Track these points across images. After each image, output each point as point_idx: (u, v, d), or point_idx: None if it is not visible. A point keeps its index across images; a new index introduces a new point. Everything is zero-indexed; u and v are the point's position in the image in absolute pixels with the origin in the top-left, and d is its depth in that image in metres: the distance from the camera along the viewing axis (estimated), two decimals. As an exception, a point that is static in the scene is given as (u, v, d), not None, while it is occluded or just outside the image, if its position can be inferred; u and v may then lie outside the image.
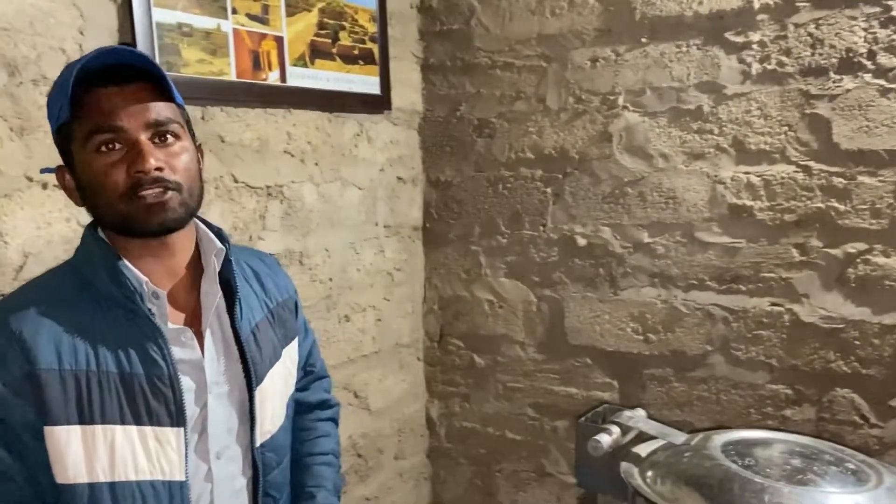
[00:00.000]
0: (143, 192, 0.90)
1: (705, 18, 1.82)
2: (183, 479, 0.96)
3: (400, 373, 2.28)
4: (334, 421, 1.32)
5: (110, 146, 0.91)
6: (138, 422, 0.92)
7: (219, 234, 1.05)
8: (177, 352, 0.96)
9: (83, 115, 0.90)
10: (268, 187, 1.80)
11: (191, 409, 0.97)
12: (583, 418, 1.25)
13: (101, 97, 0.90)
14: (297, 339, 1.20)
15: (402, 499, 2.31)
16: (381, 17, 2.06)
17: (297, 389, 1.21)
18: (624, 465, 1.14)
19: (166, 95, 0.94)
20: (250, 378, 1.04)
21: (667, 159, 1.91)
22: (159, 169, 0.91)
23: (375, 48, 2.05)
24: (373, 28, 2.04)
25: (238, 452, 1.05)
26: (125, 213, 0.91)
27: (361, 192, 2.09)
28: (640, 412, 1.27)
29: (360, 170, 2.08)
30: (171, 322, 0.97)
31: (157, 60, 1.46)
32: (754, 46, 1.77)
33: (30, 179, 1.30)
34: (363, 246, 2.11)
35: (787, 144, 1.76)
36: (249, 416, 1.05)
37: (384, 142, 2.16)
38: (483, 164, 2.19)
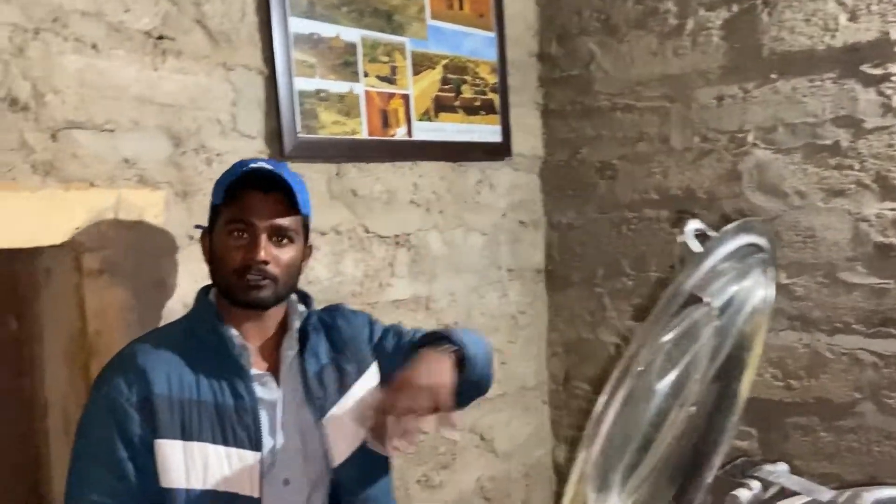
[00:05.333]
0: (248, 276, 1.14)
1: (839, 51, 1.75)
2: (257, 496, 1.13)
3: (525, 416, 2.28)
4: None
5: (239, 233, 1.15)
6: (226, 443, 1.12)
7: (304, 298, 1.27)
8: (259, 390, 1.17)
9: (231, 205, 1.15)
10: (396, 236, 1.88)
11: (266, 440, 1.16)
12: (719, 471, 1.21)
13: (247, 196, 1.15)
14: (373, 366, 1.31)
15: (530, 544, 2.29)
16: (501, 68, 2.12)
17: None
18: (768, 524, 1.09)
19: (297, 207, 1.17)
20: (313, 414, 1.21)
21: (803, 197, 1.83)
22: (265, 262, 1.14)
23: (496, 98, 2.11)
24: (493, 79, 2.10)
25: (301, 483, 1.20)
26: (231, 285, 1.16)
27: (484, 238, 2.13)
28: (783, 466, 1.21)
29: (483, 216, 2.13)
30: (256, 368, 1.19)
31: (299, 125, 1.59)
32: (894, 78, 1.67)
33: (190, 238, 1.44)
34: (487, 290, 2.15)
35: (939, 178, 1.64)
36: (321, 445, 1.20)
37: (505, 187, 2.20)
38: (605, 206, 2.19)
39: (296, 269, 1.22)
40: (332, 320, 1.32)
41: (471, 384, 1.20)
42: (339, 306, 1.40)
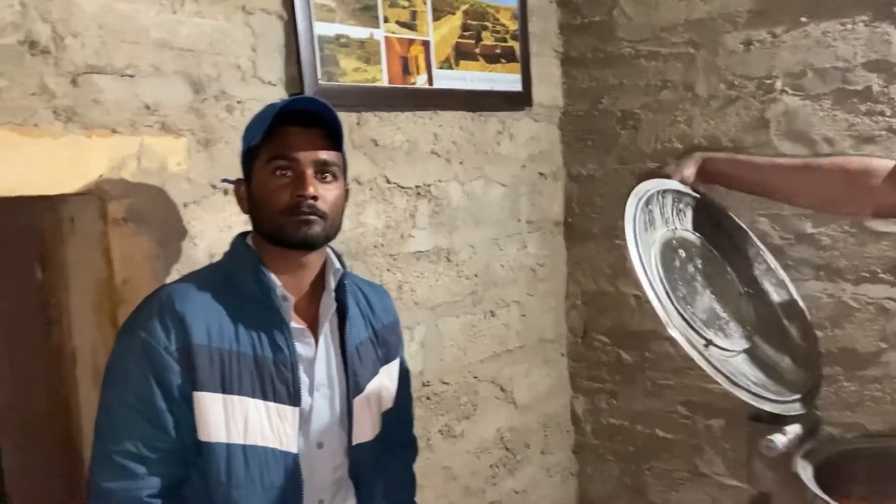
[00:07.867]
0: (298, 212, 1.09)
1: (874, -9, 1.69)
2: (295, 451, 1.12)
3: (544, 368, 2.29)
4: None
5: (284, 171, 1.11)
6: (265, 397, 1.09)
7: (339, 258, 1.23)
8: (297, 346, 1.13)
9: (270, 144, 1.11)
10: (417, 187, 1.86)
11: (304, 397, 1.13)
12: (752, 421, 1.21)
13: (288, 133, 1.11)
14: (397, 360, 1.34)
15: (549, 493, 2.31)
16: (522, 15, 2.07)
17: (394, 425, 1.32)
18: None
19: (335, 144, 1.14)
20: (349, 388, 1.20)
21: (832, 144, 1.79)
22: (315, 198, 1.10)
23: (516, 45, 2.06)
24: (514, 26, 2.05)
25: (333, 448, 1.20)
26: (280, 224, 1.10)
27: (504, 189, 2.11)
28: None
29: (503, 167, 2.10)
30: (295, 322, 1.14)
31: (319, 71, 1.56)
32: (933, 18, 1.63)
33: (213, 187, 1.41)
34: (506, 242, 2.13)
35: (974, 122, 1.61)
36: (348, 420, 1.20)
37: (525, 138, 2.17)
38: (627, 157, 2.15)
39: (341, 209, 1.17)
40: (376, 296, 1.31)
41: None
42: (383, 288, 1.39)
